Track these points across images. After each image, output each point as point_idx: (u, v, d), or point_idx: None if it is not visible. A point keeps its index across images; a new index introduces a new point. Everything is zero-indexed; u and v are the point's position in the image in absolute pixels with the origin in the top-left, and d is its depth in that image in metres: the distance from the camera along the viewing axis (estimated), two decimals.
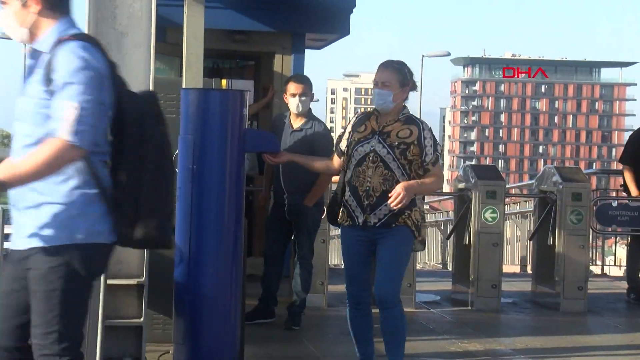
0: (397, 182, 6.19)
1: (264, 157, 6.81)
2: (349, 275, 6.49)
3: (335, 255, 15.92)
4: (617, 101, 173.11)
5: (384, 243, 6.28)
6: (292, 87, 8.42)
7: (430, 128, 6.35)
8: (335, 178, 7.53)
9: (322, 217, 9.03)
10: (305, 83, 8.47)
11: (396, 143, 6.23)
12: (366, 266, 6.43)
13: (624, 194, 11.35)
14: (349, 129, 6.46)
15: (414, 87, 6.44)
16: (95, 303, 4.96)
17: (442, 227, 18.90)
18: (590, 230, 10.82)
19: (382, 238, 6.29)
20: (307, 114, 8.48)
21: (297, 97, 8.37)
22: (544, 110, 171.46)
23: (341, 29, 11.21)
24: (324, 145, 8.30)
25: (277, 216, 8.56)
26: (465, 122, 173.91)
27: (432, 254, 19.70)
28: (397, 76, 6.31)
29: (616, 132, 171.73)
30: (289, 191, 8.40)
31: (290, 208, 8.43)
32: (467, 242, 10.10)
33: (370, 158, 6.26)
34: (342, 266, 11.80)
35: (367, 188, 6.24)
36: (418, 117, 6.43)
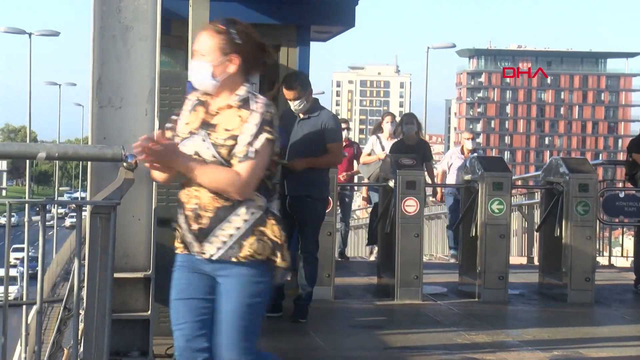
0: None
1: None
2: (175, 323, 4.45)
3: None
4: (623, 92, 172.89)
5: (225, 286, 4.36)
6: (285, 94, 8.49)
7: (264, 111, 4.31)
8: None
9: (327, 210, 9.05)
10: (295, 89, 8.40)
11: (221, 140, 4.31)
12: (203, 310, 4.41)
13: (630, 185, 11.33)
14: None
15: (253, 55, 4.42)
16: (102, 296, 4.95)
17: (448, 219, 18.87)
18: (597, 221, 10.81)
19: (223, 277, 4.36)
20: (312, 106, 8.50)
21: (291, 102, 8.44)
22: (549, 101, 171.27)
23: (346, 21, 11.21)
24: (331, 131, 8.37)
25: (287, 209, 8.56)
26: (471, 113, 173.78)
27: (439, 246, 19.69)
28: (215, 41, 4.35)
29: (622, 122, 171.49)
30: (289, 185, 8.41)
31: (291, 201, 8.43)
32: (473, 234, 10.09)
33: None
34: (350, 258, 11.60)
35: (195, 206, 4.34)
36: (260, 96, 4.40)
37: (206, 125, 4.35)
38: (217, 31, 4.35)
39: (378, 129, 14.06)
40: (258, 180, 4.32)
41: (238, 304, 4.33)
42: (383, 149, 13.45)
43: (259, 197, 4.35)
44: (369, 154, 13.77)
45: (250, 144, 4.27)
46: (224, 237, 4.31)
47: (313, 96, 8.59)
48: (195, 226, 4.35)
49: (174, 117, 4.51)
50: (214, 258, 4.33)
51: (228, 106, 4.36)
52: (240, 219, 4.31)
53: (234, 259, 4.30)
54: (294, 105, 8.42)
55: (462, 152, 14.61)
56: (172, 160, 4.24)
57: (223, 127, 4.32)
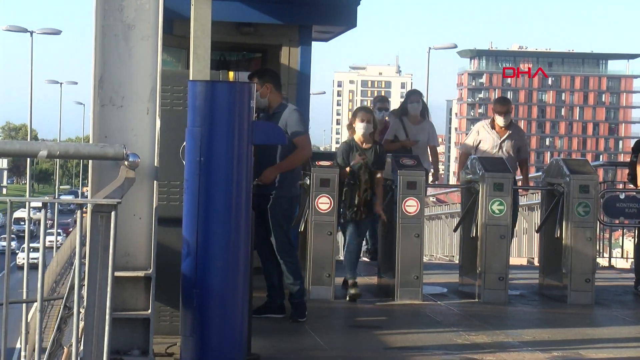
0: None
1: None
2: None
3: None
4: (624, 93, 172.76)
5: None
6: None
7: None
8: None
9: (328, 209, 9.01)
10: (253, 81, 8.35)
11: None
12: None
13: (631, 186, 11.34)
14: None
15: None
16: (103, 295, 4.96)
17: (448, 220, 18.89)
18: (598, 222, 10.81)
19: None
20: (277, 104, 8.53)
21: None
22: (550, 102, 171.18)
23: (348, 21, 11.22)
24: (292, 127, 8.36)
25: (256, 209, 8.51)
26: (472, 114, 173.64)
27: (439, 246, 19.70)
28: None
29: (623, 124, 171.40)
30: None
31: (257, 199, 8.34)
32: (474, 235, 10.09)
33: None
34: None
35: None
36: None
37: None
38: None
39: (403, 110, 12.34)
40: None
41: None
42: (407, 135, 12.07)
43: None
44: (392, 141, 12.01)
45: None
46: None
47: (281, 94, 8.59)
48: None
49: None
50: None
51: None
52: None
53: None
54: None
55: (494, 127, 11.45)
56: None
57: None
